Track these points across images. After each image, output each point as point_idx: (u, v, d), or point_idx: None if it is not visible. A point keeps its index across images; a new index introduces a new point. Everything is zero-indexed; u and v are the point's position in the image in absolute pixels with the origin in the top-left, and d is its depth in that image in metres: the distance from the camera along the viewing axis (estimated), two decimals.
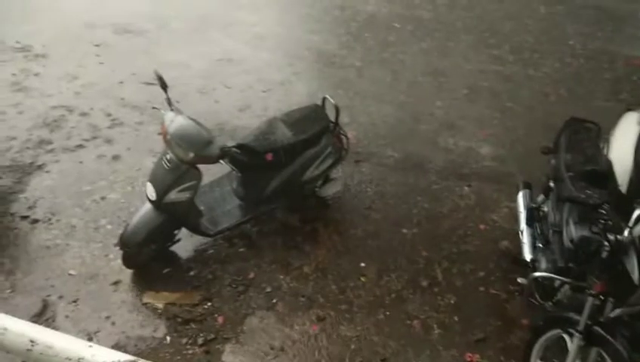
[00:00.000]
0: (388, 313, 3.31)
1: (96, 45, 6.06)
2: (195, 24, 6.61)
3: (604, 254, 2.45)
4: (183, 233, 3.62)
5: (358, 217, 3.97)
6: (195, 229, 3.54)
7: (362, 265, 3.61)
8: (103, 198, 4.08)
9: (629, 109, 3.76)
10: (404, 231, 3.84)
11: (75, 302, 3.37)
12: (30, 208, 3.98)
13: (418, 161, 4.49)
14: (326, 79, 5.65)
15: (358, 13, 7.01)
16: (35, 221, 3.88)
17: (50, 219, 3.91)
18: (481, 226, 3.84)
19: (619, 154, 3.48)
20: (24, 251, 3.66)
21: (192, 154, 3.16)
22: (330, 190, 3.98)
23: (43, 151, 4.51)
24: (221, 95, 5.31)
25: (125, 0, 7.22)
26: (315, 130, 3.69)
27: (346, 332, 3.20)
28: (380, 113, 5.05)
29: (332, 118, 3.78)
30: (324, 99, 3.84)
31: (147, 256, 3.47)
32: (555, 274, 2.89)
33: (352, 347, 3.12)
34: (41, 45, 5.95)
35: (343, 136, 3.90)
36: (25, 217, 3.92)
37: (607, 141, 3.61)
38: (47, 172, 4.32)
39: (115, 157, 4.46)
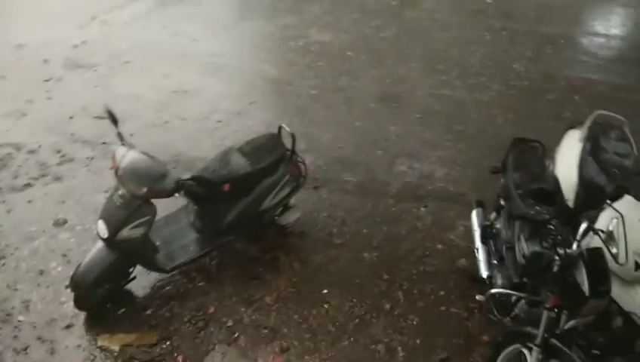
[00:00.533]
0: (352, 339, 3.29)
1: (46, 80, 5.92)
2: (149, 56, 6.56)
3: (556, 268, 2.53)
4: (139, 270, 3.50)
5: (319, 244, 3.97)
6: (151, 266, 3.44)
7: (325, 291, 3.59)
8: (52, 239, 3.92)
9: (572, 127, 3.96)
10: (365, 255, 3.86)
11: (25, 350, 3.19)
12: None
13: (376, 185, 4.55)
14: (282, 108, 5.70)
15: (312, 43, 7.15)
16: None
17: None
18: (439, 246, 3.90)
19: (564, 170, 3.64)
20: None
21: (145, 189, 3.09)
22: (289, 218, 3.97)
23: None
24: (176, 126, 5.26)
25: (77, 34, 7.11)
26: (271, 158, 3.69)
27: (310, 361, 3.15)
28: (337, 139, 5.11)
29: (289, 145, 3.80)
30: (279, 127, 3.86)
31: (101, 297, 3.34)
32: (510, 289, 2.96)
33: None
34: None
35: (300, 164, 3.91)
36: None
37: (553, 158, 3.79)
38: None
39: (65, 195, 4.31)
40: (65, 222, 4.06)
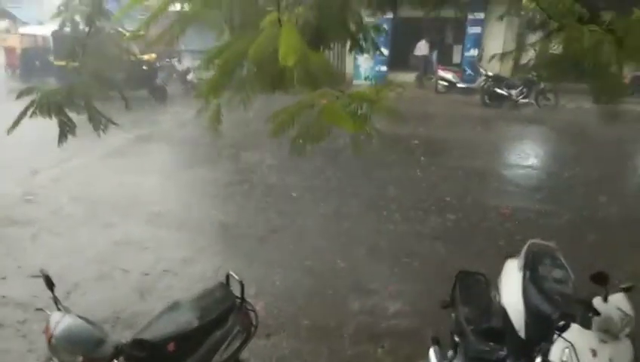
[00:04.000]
0: None
1: None
2: (92, 208, 6.49)
3: None
4: None
5: None
6: None
7: None
8: None
9: (509, 256, 4.17)
10: None
11: None
12: None
13: (330, 327, 4.42)
14: (229, 252, 5.66)
15: (257, 185, 7.42)
16: None
17: None
18: None
19: (510, 300, 3.74)
20: None
21: (80, 358, 2.84)
22: None
23: None
24: (118, 280, 5.03)
25: (16, 189, 7.00)
26: (220, 310, 3.54)
27: None
28: (287, 280, 5.05)
29: (237, 293, 3.69)
30: (227, 275, 3.79)
31: None
32: None
33: None
34: None
35: (250, 312, 3.78)
36: None
37: (497, 289, 3.90)
38: None
39: None
40: None
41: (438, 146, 9.29)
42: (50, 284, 3.10)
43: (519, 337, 3.45)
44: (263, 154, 8.69)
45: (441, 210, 6.58)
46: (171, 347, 3.22)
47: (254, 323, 3.76)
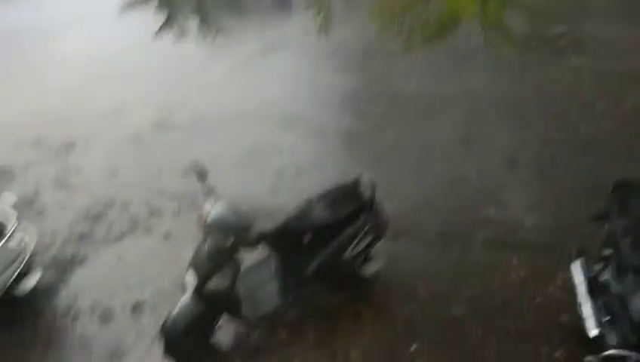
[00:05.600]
0: None
1: (134, 140, 6.35)
2: (227, 113, 6.88)
3: None
4: (224, 319, 3.50)
5: (403, 296, 3.80)
6: (236, 316, 3.43)
7: (413, 348, 3.38)
8: (143, 290, 4.05)
9: None
10: (454, 309, 3.63)
11: None
12: (71, 303, 3.99)
13: (460, 234, 4.34)
14: (358, 157, 5.69)
15: (386, 91, 7.18)
16: (76, 316, 3.87)
17: (91, 313, 3.89)
18: (537, 300, 3.59)
19: None
20: (65, 346, 3.62)
21: (231, 241, 3.14)
22: (370, 269, 3.85)
23: (84, 244, 4.60)
24: (255, 180, 5.37)
25: (162, 97, 7.66)
26: (351, 208, 3.64)
27: None
28: (416, 186, 4.98)
29: (368, 194, 3.73)
30: (358, 176, 3.82)
31: (188, 347, 3.35)
32: (628, 350, 2.63)
33: None
34: (82, 142, 6.26)
35: (380, 213, 3.82)
36: (66, 312, 3.92)
37: None
38: (88, 266, 4.36)
39: (155, 248, 4.50)
40: (155, 273, 4.20)
41: (592, 45, 8.03)
42: (202, 176, 3.40)
43: None
44: (390, 61, 8.33)
45: (592, 116, 5.82)
46: (308, 237, 3.43)
47: (383, 223, 3.82)
